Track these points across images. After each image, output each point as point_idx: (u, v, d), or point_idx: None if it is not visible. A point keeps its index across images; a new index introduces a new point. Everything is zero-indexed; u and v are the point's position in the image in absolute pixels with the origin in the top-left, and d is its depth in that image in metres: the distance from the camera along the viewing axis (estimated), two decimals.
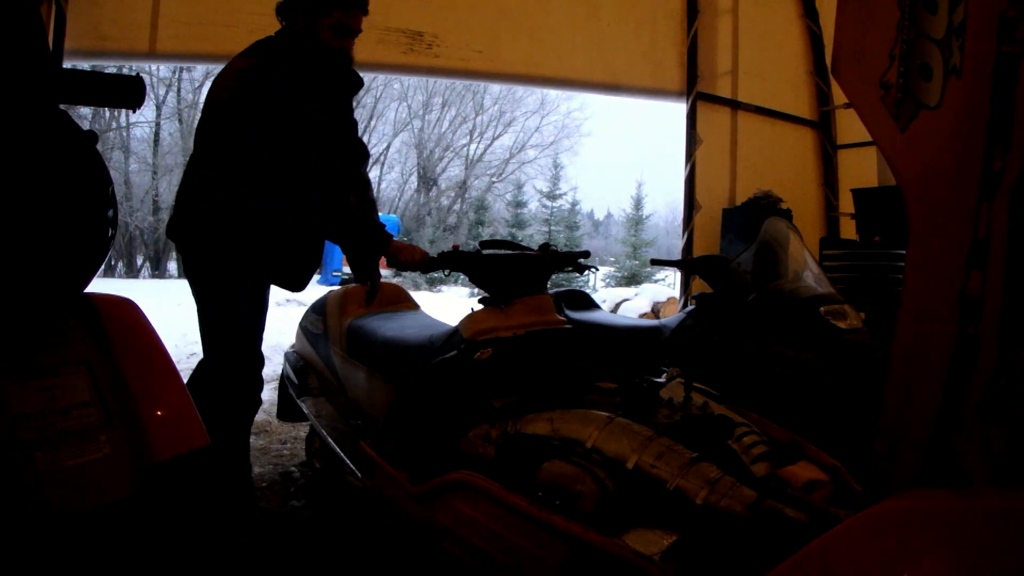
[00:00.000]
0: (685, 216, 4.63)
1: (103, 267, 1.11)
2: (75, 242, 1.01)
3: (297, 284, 1.97)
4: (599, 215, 40.72)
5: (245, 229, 1.82)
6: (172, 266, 19.04)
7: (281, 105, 1.73)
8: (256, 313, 1.93)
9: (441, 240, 18.87)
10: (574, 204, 19.21)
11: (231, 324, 1.89)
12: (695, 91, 4.60)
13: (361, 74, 2.01)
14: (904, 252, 0.95)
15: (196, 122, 1.94)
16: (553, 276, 2.84)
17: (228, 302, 1.88)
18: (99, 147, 1.08)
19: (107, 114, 16.89)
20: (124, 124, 18.10)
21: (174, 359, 1.19)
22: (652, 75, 4.71)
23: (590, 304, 3.16)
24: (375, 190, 2.29)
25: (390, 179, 23.99)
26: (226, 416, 1.89)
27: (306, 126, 1.75)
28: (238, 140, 1.78)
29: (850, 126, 4.98)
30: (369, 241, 1.81)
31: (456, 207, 23.15)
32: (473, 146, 23.98)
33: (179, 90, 18.85)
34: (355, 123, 2.07)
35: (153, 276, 17.96)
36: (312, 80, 1.80)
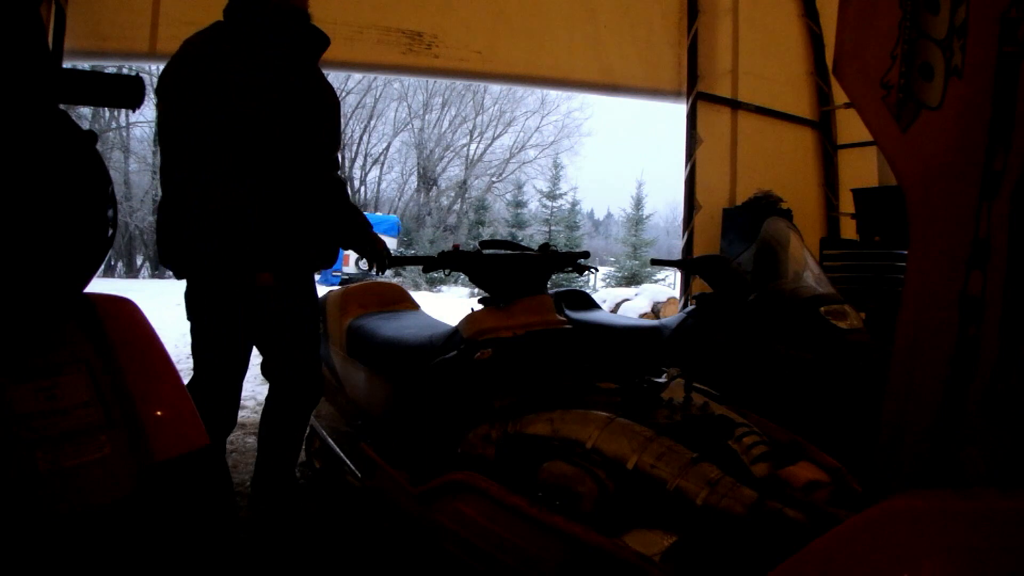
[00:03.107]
0: (685, 216, 4.62)
1: (103, 267, 1.10)
2: (75, 242, 1.01)
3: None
4: (599, 215, 40.77)
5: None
6: None
7: (214, 92, 1.59)
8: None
9: (441, 240, 18.88)
10: (574, 204, 19.24)
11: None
12: (695, 91, 4.60)
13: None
14: (904, 252, 0.95)
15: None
16: (553, 276, 2.84)
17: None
18: (99, 147, 1.08)
19: (107, 114, 16.90)
20: (124, 124, 18.11)
21: (174, 359, 1.19)
22: (648, 76, 4.72)
23: (590, 304, 3.16)
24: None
25: (390, 179, 23.95)
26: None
27: (233, 111, 1.58)
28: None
29: (850, 126, 4.97)
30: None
31: (456, 207, 23.14)
32: (473, 146, 23.99)
33: None
34: (318, 87, 1.73)
35: (153, 276, 17.96)
36: (243, 56, 1.62)
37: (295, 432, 1.94)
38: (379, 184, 23.14)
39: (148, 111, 17.97)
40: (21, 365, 0.98)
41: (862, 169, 4.87)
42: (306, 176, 1.69)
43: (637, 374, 1.67)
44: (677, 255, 4.64)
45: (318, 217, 1.76)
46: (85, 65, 3.93)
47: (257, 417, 3.70)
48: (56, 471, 0.93)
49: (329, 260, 1.84)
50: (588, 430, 1.42)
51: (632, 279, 15.62)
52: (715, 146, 4.67)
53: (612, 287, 14.70)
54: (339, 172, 1.88)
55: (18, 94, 0.96)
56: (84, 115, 14.73)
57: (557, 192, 18.19)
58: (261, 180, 1.62)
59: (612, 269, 16.93)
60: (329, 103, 1.76)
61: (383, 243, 1.93)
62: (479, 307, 1.84)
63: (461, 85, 21.37)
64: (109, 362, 1.07)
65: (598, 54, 4.60)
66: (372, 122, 22.42)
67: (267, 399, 1.94)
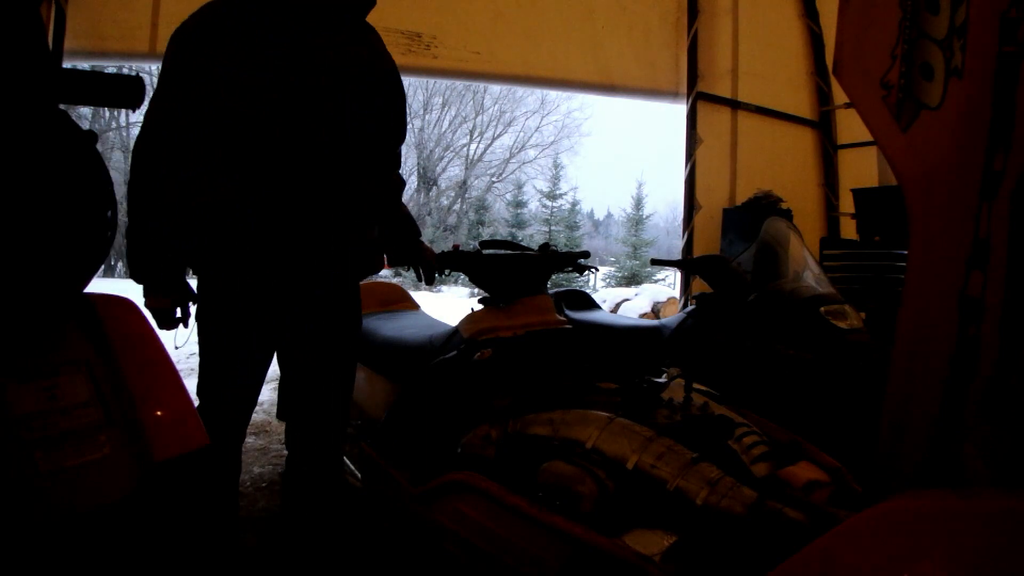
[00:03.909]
0: (685, 216, 4.63)
1: (103, 267, 1.10)
2: (75, 242, 1.01)
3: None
4: (599, 215, 40.79)
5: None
6: None
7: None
8: None
9: (441, 240, 18.89)
10: (574, 204, 19.25)
11: None
12: (695, 91, 4.60)
13: None
14: (904, 252, 0.96)
15: None
16: (553, 276, 2.83)
17: None
18: (99, 147, 1.08)
19: (107, 114, 16.91)
20: (124, 124, 18.11)
21: (174, 359, 1.19)
22: (646, 76, 4.73)
23: (590, 304, 3.16)
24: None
25: None
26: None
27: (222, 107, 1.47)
28: None
29: (850, 126, 4.97)
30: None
31: (456, 207, 23.13)
32: (473, 146, 23.97)
33: None
34: (324, 67, 1.54)
35: None
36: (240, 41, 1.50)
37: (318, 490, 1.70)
38: None
39: None
40: (21, 365, 0.98)
41: (862, 169, 4.87)
42: (315, 175, 1.55)
43: (637, 374, 1.67)
44: (677, 255, 4.64)
45: (345, 218, 1.57)
46: (85, 65, 3.93)
47: (259, 418, 3.70)
48: (56, 471, 0.93)
49: (362, 267, 1.62)
50: (588, 430, 1.42)
51: (632, 279, 15.64)
52: (715, 146, 4.67)
53: (612, 287, 14.71)
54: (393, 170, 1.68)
55: (18, 94, 0.96)
56: (84, 115, 14.73)
57: (557, 192, 18.20)
58: (254, 177, 1.50)
59: (612, 269, 16.94)
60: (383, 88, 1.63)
61: (432, 252, 1.82)
62: (479, 307, 1.84)
63: (461, 85, 21.36)
64: (109, 362, 1.07)
65: (596, 54, 4.61)
66: None
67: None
